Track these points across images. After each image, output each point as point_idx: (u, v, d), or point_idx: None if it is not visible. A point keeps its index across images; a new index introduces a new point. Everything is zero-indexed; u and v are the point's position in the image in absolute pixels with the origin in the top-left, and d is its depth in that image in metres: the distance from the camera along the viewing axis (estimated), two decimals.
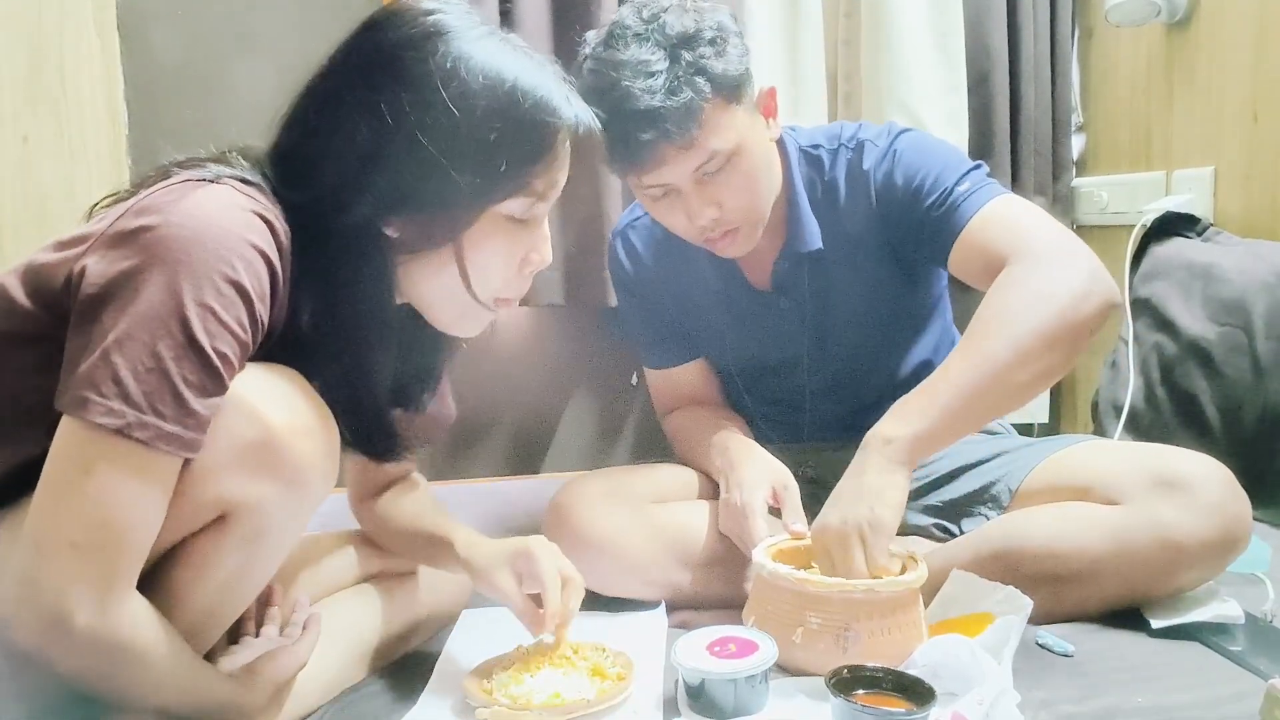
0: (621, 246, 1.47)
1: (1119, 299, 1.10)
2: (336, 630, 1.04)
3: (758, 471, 1.24)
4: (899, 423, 1.07)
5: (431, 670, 1.08)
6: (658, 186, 1.21)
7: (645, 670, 1.05)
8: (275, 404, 0.78)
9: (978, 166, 1.26)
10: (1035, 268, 1.10)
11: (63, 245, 0.79)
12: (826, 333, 1.37)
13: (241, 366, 0.77)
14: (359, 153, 0.81)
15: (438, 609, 1.17)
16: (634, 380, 2.18)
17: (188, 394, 0.71)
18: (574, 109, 0.88)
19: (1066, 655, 1.07)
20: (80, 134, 1.70)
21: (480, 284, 0.90)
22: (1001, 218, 1.19)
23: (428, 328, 0.97)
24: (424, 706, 1.01)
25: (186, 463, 0.74)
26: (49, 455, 0.72)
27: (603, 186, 1.96)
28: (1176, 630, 1.11)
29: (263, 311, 0.77)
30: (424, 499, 1.15)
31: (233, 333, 0.74)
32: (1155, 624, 1.11)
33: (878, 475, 1.05)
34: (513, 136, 0.83)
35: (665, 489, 1.32)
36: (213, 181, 0.78)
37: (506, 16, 1.90)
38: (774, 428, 1.46)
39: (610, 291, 1.99)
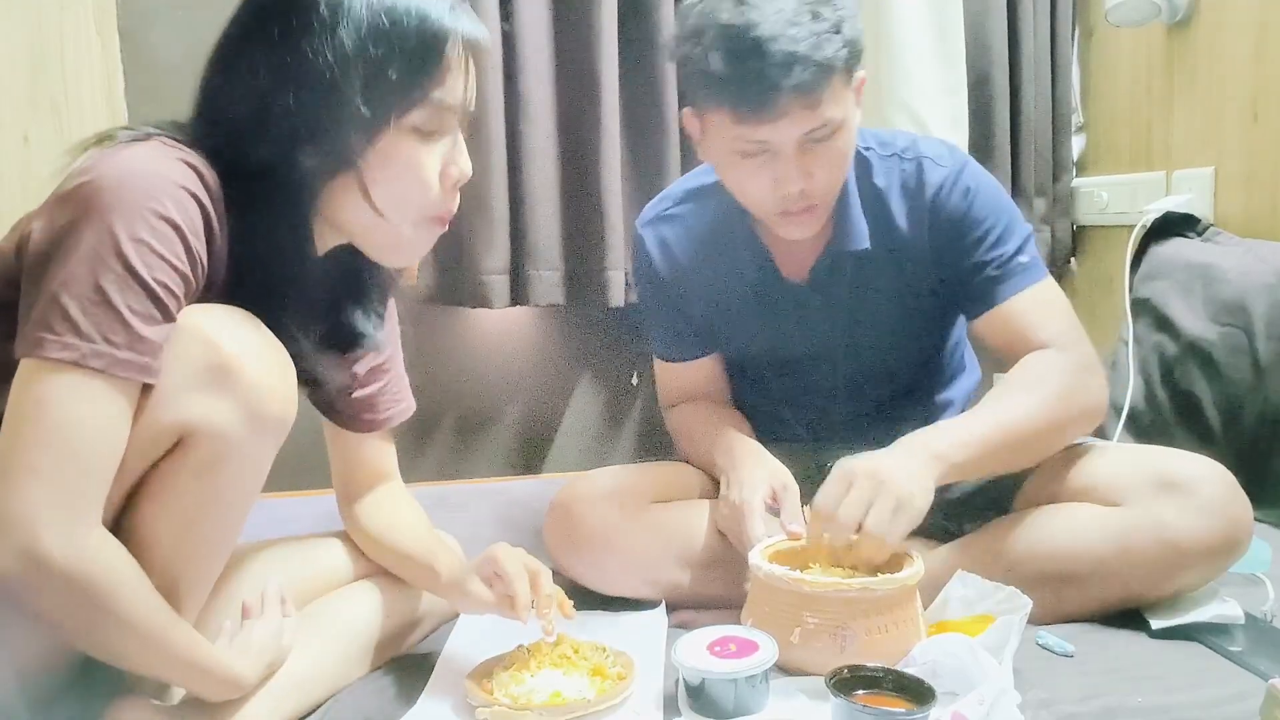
0: (652, 238, 1.43)
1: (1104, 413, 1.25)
2: (337, 626, 1.05)
3: (758, 472, 1.23)
4: (948, 442, 1.10)
5: (432, 669, 1.08)
6: (758, 143, 1.17)
7: (646, 670, 1.05)
8: (227, 330, 0.81)
9: (1030, 234, 1.29)
10: (1071, 363, 1.20)
11: (15, 226, 0.84)
12: (856, 333, 1.36)
13: (186, 299, 0.80)
14: (260, 90, 0.84)
15: (438, 605, 1.18)
16: (634, 380, 2.19)
17: (135, 322, 0.75)
18: (459, 20, 0.89)
19: (1067, 655, 1.07)
20: (80, 134, 1.68)
21: (400, 204, 0.90)
22: (1048, 305, 1.25)
23: (366, 265, 0.99)
24: (424, 705, 1.01)
25: (145, 391, 0.77)
26: (9, 400, 0.75)
27: (603, 187, 1.96)
28: (1176, 630, 1.11)
29: (199, 247, 0.80)
30: (405, 513, 1.16)
31: (170, 264, 0.77)
32: (1155, 624, 1.11)
33: (922, 469, 1.07)
34: (399, 50, 0.85)
35: (667, 488, 1.31)
36: (143, 139, 0.82)
37: (507, 18, 1.90)
38: (785, 425, 1.45)
39: (611, 292, 2.00)
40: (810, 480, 1.15)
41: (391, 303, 1.12)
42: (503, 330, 2.14)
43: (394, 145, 0.87)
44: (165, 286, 0.77)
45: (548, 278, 1.99)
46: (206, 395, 0.79)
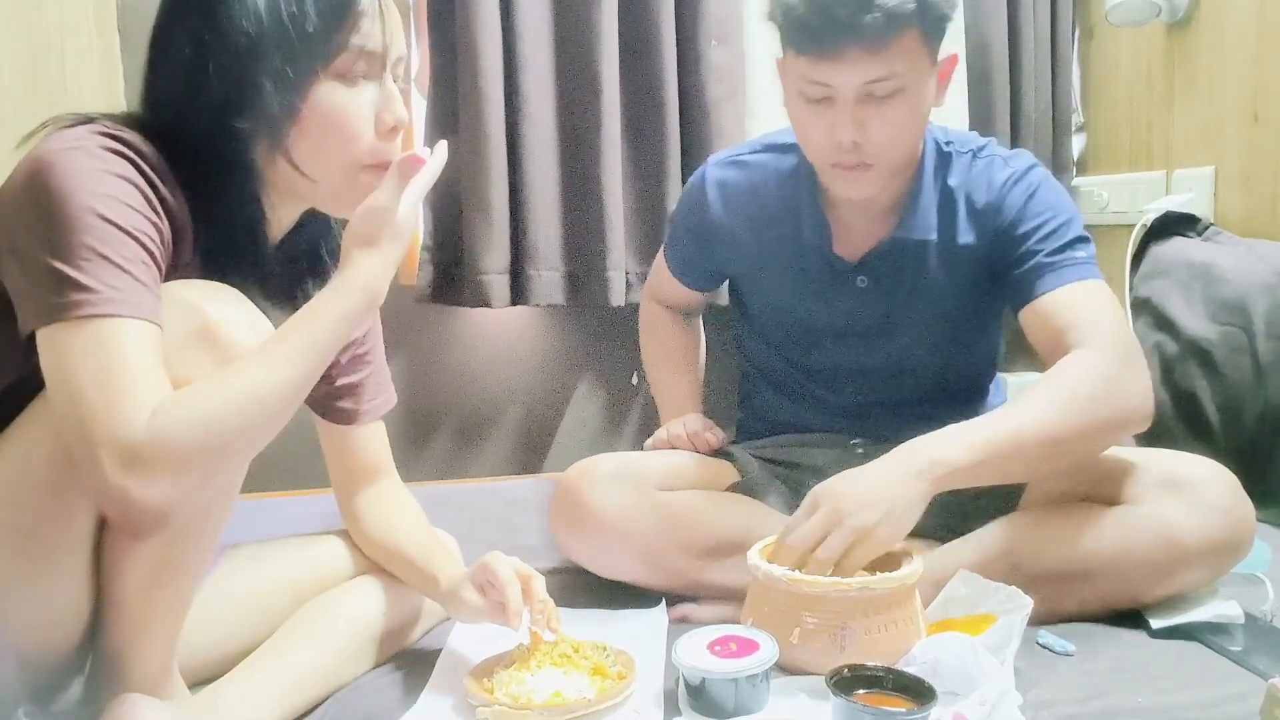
0: (715, 176, 1.42)
1: (1150, 419, 1.16)
2: (337, 622, 1.05)
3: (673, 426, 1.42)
4: (951, 447, 1.08)
5: (432, 668, 1.08)
6: (821, 85, 1.17)
7: (646, 669, 1.05)
8: (211, 300, 0.83)
9: (1089, 240, 1.27)
10: (1109, 363, 1.14)
11: None
12: (896, 324, 1.36)
13: (161, 253, 0.82)
14: (186, 66, 0.87)
15: None
16: (634, 380, 2.19)
17: (131, 267, 0.78)
18: None
19: (1067, 655, 1.07)
20: None
21: (335, 153, 0.90)
22: (1097, 302, 1.20)
23: (330, 242, 1.02)
24: (425, 704, 1.01)
25: None
26: (46, 375, 0.77)
27: (603, 187, 1.96)
28: (1176, 630, 1.11)
29: (155, 207, 0.82)
30: (405, 515, 1.16)
31: (139, 212, 0.80)
32: (1155, 624, 1.12)
33: (904, 486, 1.05)
34: (311, 3, 0.87)
35: (672, 476, 1.31)
36: (83, 123, 0.84)
37: (507, 17, 1.90)
38: (817, 401, 1.44)
39: (611, 292, 2.00)
40: (841, 465, 1.14)
41: None
42: (503, 330, 2.14)
43: (320, 98, 0.88)
44: (144, 232, 0.79)
45: (548, 278, 1.99)
46: (195, 354, 0.80)
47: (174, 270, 0.85)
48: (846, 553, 1.03)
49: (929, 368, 1.39)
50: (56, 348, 0.76)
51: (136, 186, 0.80)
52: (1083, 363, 1.14)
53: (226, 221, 0.89)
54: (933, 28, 1.17)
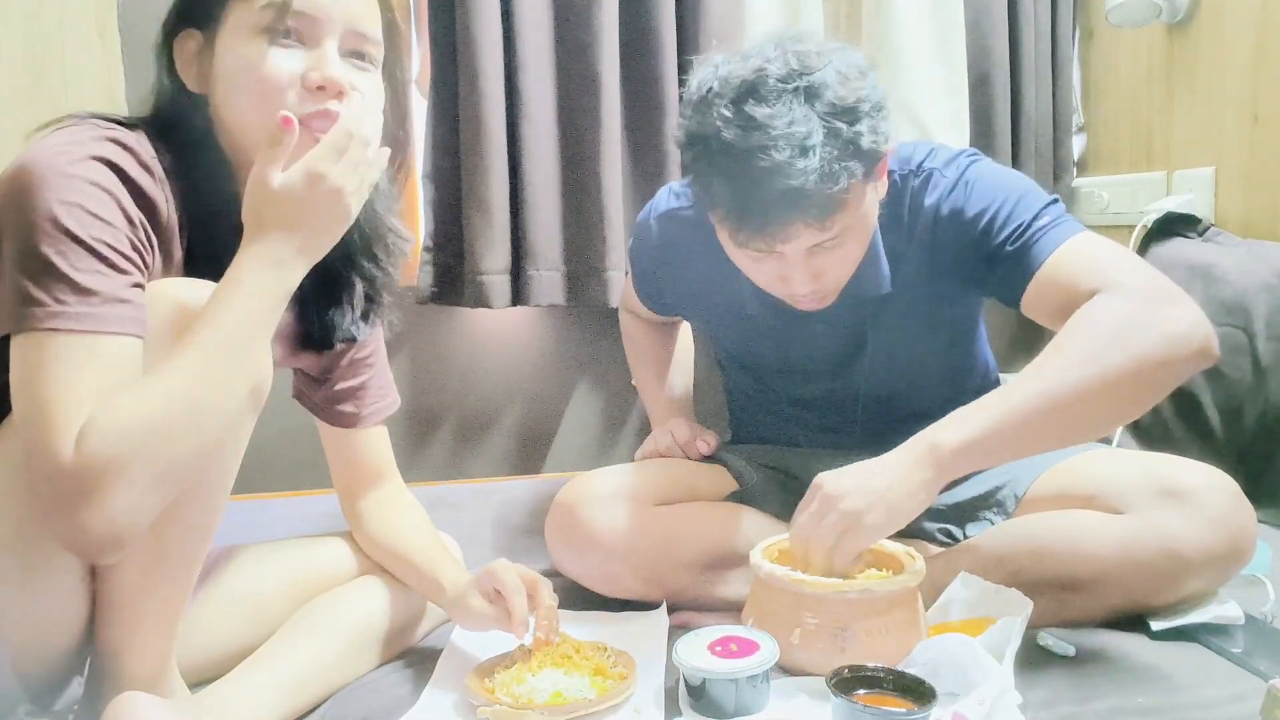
0: (662, 208, 1.37)
1: (1217, 353, 1.01)
2: (338, 621, 1.05)
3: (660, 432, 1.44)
4: (947, 429, 1.03)
5: (434, 667, 1.08)
6: (763, 251, 1.11)
7: (647, 669, 1.05)
8: (190, 291, 0.83)
9: (1054, 200, 1.16)
10: (1129, 298, 1.02)
11: None
12: (869, 349, 1.31)
13: (137, 255, 0.81)
14: (163, 57, 0.92)
15: None
16: (634, 380, 2.18)
17: (81, 279, 0.77)
18: None
19: (1067, 656, 1.07)
20: None
21: (253, 110, 0.88)
22: (1088, 254, 1.09)
23: None
24: (426, 704, 1.01)
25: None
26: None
27: (603, 187, 1.96)
28: (1177, 632, 1.11)
29: (135, 212, 0.82)
30: (408, 520, 1.16)
31: (106, 221, 0.79)
32: (1155, 625, 1.11)
33: (902, 474, 1.02)
34: None
35: (670, 490, 1.31)
36: (77, 124, 0.85)
37: (507, 17, 1.90)
38: (791, 420, 1.43)
39: (611, 292, 1.99)
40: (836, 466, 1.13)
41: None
42: (503, 330, 2.14)
43: (236, 48, 0.88)
44: (106, 243, 0.78)
45: (548, 278, 1.99)
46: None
47: (166, 268, 0.86)
48: (838, 542, 1.02)
49: (913, 387, 1.35)
50: (13, 358, 0.77)
51: (109, 192, 0.80)
52: (1095, 308, 1.03)
53: (202, 206, 0.88)
54: (872, 170, 1.09)
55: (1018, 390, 1.02)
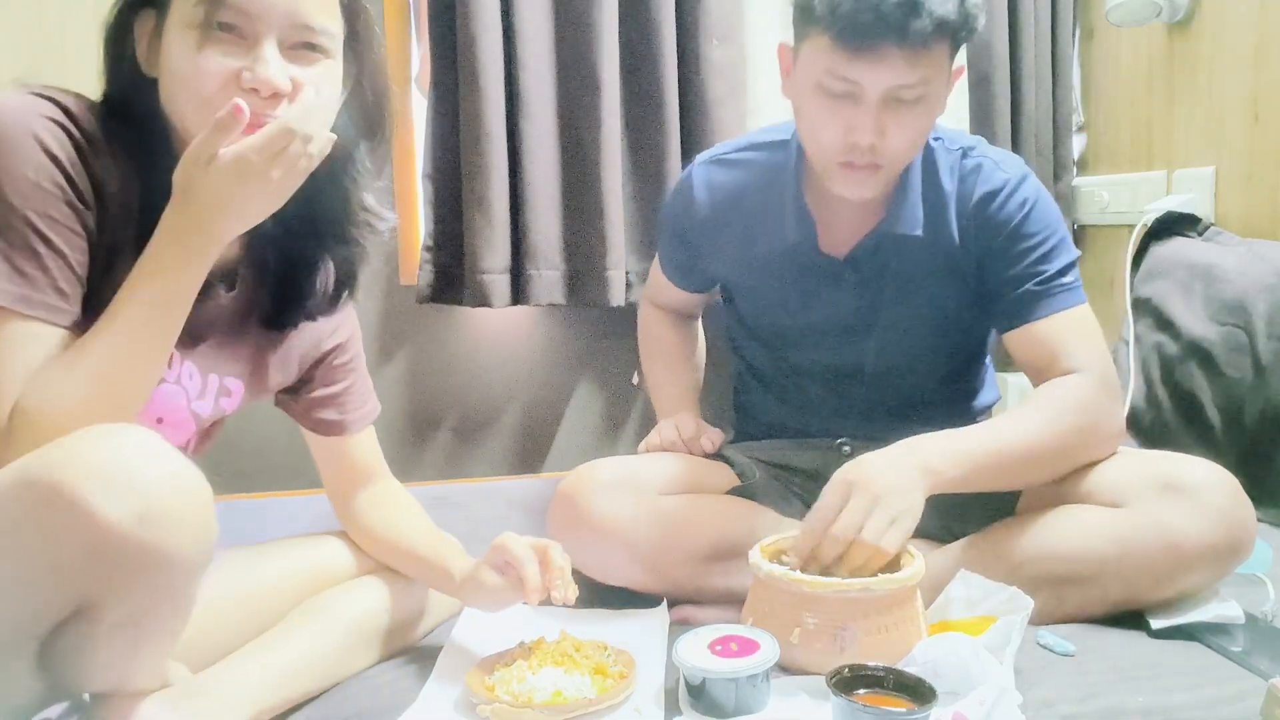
0: (702, 176, 1.41)
1: (1117, 446, 1.24)
2: (332, 617, 1.05)
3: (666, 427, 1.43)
4: (941, 459, 1.11)
5: (434, 665, 1.08)
6: (847, 81, 1.14)
7: (647, 668, 1.05)
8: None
9: (1077, 259, 1.28)
10: (1099, 391, 1.21)
11: None
12: (884, 320, 1.35)
13: (79, 235, 0.83)
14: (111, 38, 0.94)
15: (443, 599, 1.18)
16: (634, 380, 2.19)
17: (10, 255, 0.80)
18: None
19: (1068, 655, 1.07)
20: None
21: (186, 104, 0.87)
22: (1079, 331, 1.24)
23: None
24: (426, 701, 1.01)
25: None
26: None
27: (603, 187, 1.96)
28: (1177, 630, 1.11)
29: (73, 190, 0.83)
30: (407, 513, 1.16)
31: (49, 193, 0.81)
32: (1155, 624, 1.12)
33: (913, 483, 1.08)
34: None
35: (670, 480, 1.31)
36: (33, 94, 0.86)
37: (507, 17, 1.90)
38: (806, 398, 1.45)
39: (611, 292, 2.00)
40: (830, 467, 1.14)
41: (350, 306, 1.11)
42: (503, 330, 2.14)
43: (173, 43, 0.87)
44: (42, 214, 0.81)
45: (548, 277, 1.99)
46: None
47: (113, 254, 0.86)
48: (889, 529, 1.05)
49: (918, 364, 1.39)
50: None
51: (47, 170, 0.81)
52: (1074, 386, 1.20)
53: (163, 190, 0.85)
54: (963, 40, 1.17)
55: (1006, 434, 1.17)
